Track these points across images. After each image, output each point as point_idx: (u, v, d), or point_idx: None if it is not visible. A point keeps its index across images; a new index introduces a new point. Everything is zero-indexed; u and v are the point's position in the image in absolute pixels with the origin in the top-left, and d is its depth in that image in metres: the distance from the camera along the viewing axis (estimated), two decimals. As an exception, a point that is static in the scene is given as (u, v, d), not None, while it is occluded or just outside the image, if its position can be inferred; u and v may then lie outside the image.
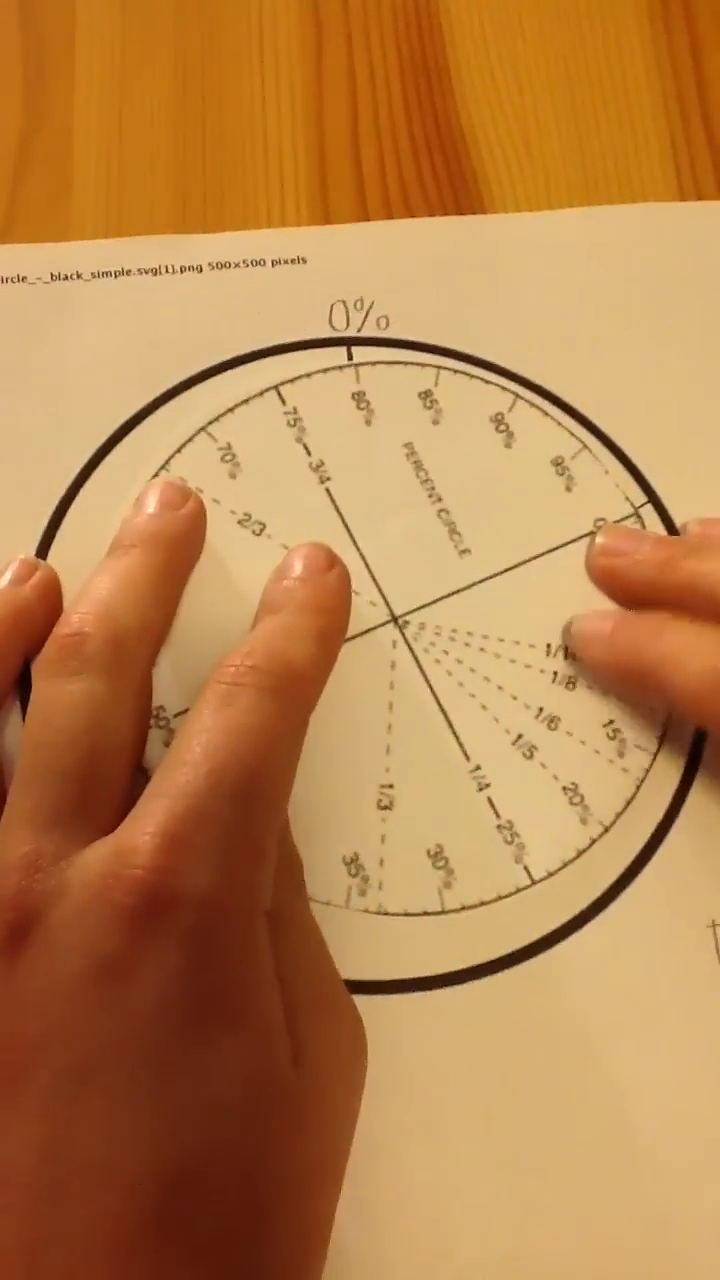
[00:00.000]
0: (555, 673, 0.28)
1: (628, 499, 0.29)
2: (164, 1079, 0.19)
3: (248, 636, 0.24)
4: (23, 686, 0.26)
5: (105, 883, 0.19)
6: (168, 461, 0.29)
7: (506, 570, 0.28)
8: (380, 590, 0.28)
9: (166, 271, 0.31)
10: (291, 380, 0.30)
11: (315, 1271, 0.20)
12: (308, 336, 0.30)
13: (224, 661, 0.23)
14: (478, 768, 0.27)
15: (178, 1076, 0.19)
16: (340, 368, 0.30)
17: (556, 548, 0.29)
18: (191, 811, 0.20)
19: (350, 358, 0.30)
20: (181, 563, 0.27)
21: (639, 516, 0.29)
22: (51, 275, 0.31)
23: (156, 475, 0.29)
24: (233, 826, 0.20)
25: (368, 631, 0.28)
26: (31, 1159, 0.18)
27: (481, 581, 0.28)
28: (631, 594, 0.28)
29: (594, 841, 0.26)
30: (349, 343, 0.30)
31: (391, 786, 0.26)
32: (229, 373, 0.30)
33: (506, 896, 0.26)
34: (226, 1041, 0.19)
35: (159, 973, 0.19)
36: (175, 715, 0.26)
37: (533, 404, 0.30)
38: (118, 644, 0.23)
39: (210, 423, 0.29)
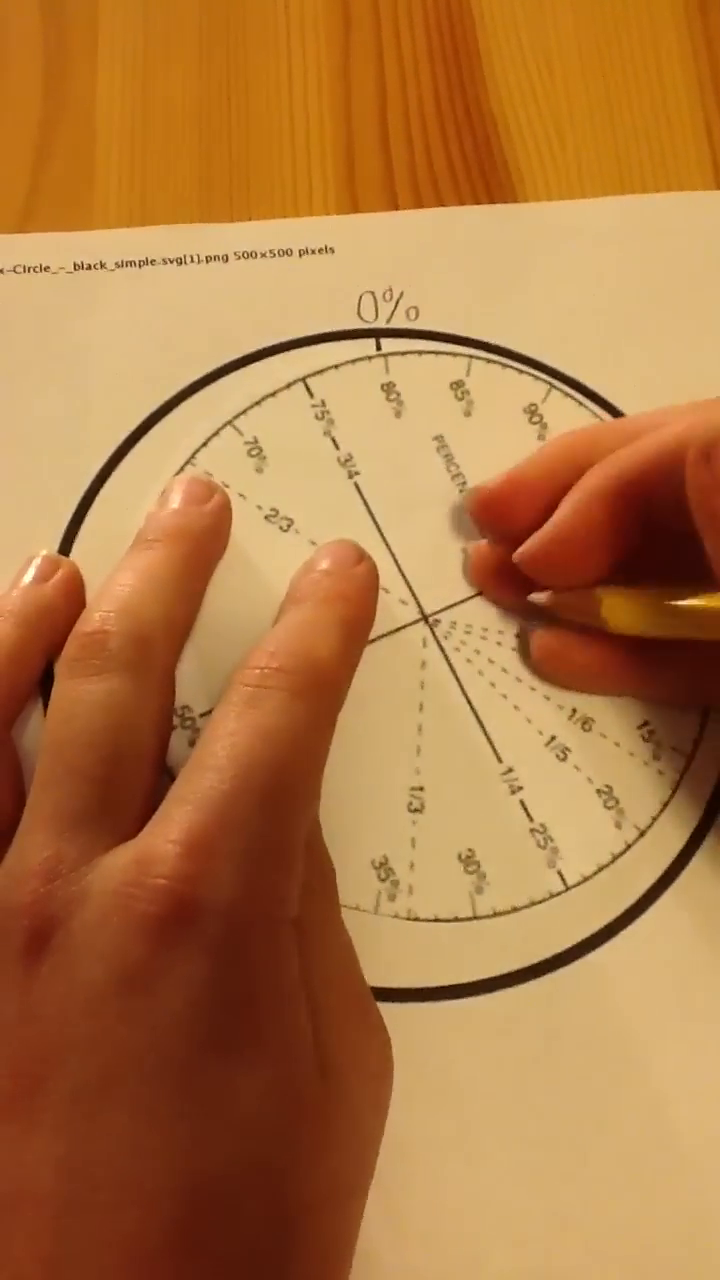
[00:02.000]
0: (590, 672, 0.27)
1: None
2: (187, 1092, 0.18)
3: (272, 632, 0.23)
4: (45, 686, 0.26)
5: (127, 891, 0.19)
6: (193, 455, 0.28)
7: (540, 567, 0.28)
8: (410, 588, 0.27)
9: (192, 261, 0.30)
10: (319, 372, 0.29)
11: None
12: (336, 327, 0.30)
13: (248, 661, 0.22)
14: (510, 770, 0.26)
15: (201, 1090, 0.18)
16: (369, 359, 0.29)
17: (591, 544, 0.28)
18: (216, 818, 0.20)
19: (379, 348, 0.30)
20: (206, 559, 0.26)
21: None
22: (75, 265, 0.30)
23: (182, 470, 0.28)
24: (259, 833, 0.20)
25: (397, 630, 0.27)
26: (50, 1173, 0.18)
27: (514, 578, 0.28)
28: None
29: (629, 846, 0.26)
30: (378, 334, 0.30)
31: (422, 789, 0.26)
32: (255, 365, 0.29)
33: (540, 902, 0.25)
34: (251, 1054, 0.19)
35: (182, 984, 0.18)
36: (201, 715, 0.26)
37: (567, 394, 0.29)
38: (140, 641, 0.23)
39: (236, 416, 0.29)
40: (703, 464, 0.22)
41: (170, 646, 0.24)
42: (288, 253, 0.30)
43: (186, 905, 0.19)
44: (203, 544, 0.26)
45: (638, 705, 0.27)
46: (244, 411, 0.29)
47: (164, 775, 0.23)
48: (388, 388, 0.29)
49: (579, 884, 0.25)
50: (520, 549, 0.25)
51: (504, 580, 0.27)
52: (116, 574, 0.24)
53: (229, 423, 0.29)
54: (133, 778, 0.22)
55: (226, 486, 0.28)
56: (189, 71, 0.33)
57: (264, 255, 0.30)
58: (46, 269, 0.30)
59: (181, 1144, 0.18)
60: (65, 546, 0.28)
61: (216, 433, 0.29)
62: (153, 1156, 0.18)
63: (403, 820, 0.26)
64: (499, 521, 0.26)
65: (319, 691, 0.22)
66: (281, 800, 0.20)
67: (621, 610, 0.25)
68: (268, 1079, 0.19)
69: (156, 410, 0.29)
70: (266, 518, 0.28)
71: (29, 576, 0.26)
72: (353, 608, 0.25)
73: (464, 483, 0.28)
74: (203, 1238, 0.18)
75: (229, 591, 0.27)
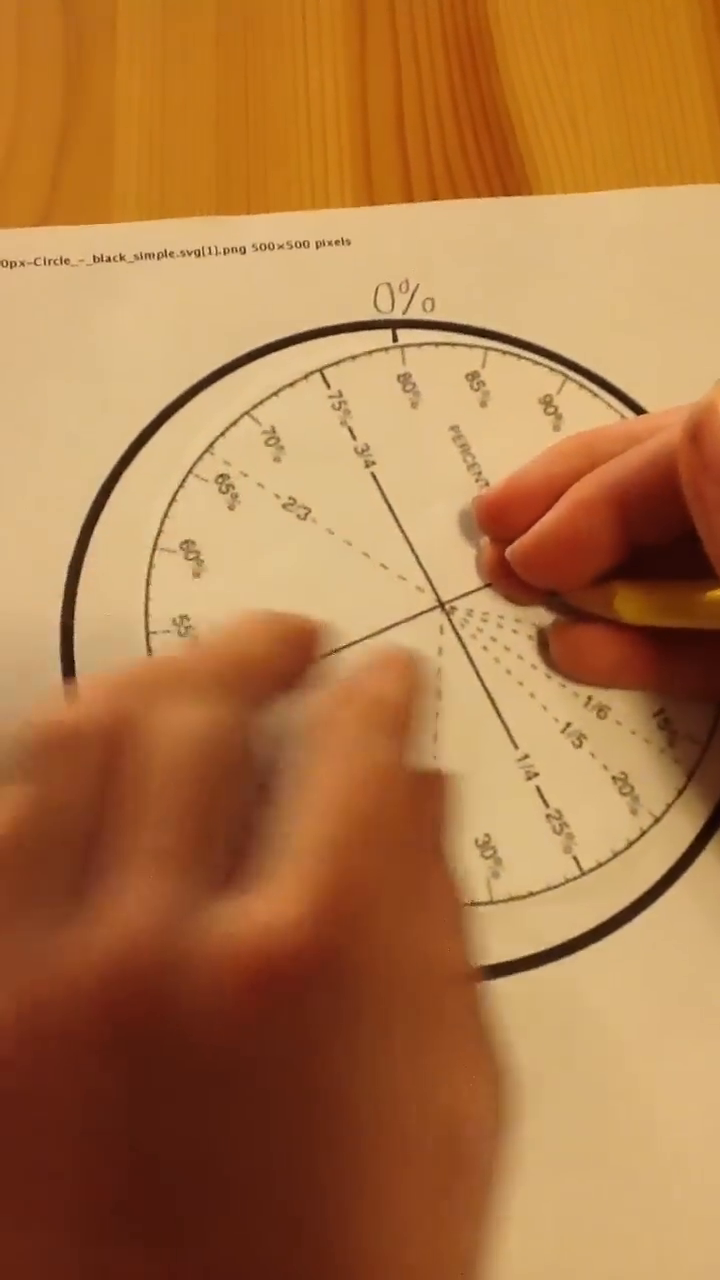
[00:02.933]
0: (605, 660, 0.27)
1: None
2: (316, 1185, 0.16)
3: (338, 681, 0.22)
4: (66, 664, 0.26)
5: (243, 961, 0.16)
6: (211, 445, 0.29)
7: (555, 556, 0.28)
8: (427, 575, 0.28)
9: (210, 253, 0.31)
10: (336, 363, 0.29)
11: None
12: (352, 319, 0.30)
13: (333, 698, 0.21)
14: (526, 756, 0.26)
15: (328, 1178, 0.17)
16: (385, 350, 0.30)
17: (606, 533, 0.28)
18: (328, 872, 0.17)
19: (395, 340, 0.30)
20: (300, 636, 0.24)
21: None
22: (94, 257, 0.31)
23: (200, 458, 0.29)
24: (377, 884, 0.18)
25: (414, 617, 0.27)
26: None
27: (529, 567, 0.28)
28: None
29: (644, 832, 0.26)
30: (394, 325, 0.30)
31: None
32: (273, 355, 0.30)
33: (555, 887, 0.25)
34: (379, 1135, 0.17)
35: (310, 1064, 0.17)
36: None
37: (582, 386, 0.29)
38: (244, 672, 0.21)
39: (254, 406, 0.29)
40: (689, 445, 0.22)
41: (271, 683, 0.22)
42: (305, 245, 0.31)
43: (317, 980, 0.17)
44: (286, 622, 0.24)
45: (654, 694, 0.27)
46: (262, 402, 0.29)
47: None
48: (404, 378, 0.29)
49: (594, 869, 0.26)
50: (510, 548, 0.26)
51: (514, 578, 0.27)
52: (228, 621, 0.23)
53: (247, 413, 0.29)
54: (233, 814, 0.19)
55: (245, 476, 0.28)
56: (207, 67, 0.33)
57: (281, 247, 0.31)
58: (66, 261, 0.31)
59: (311, 1228, 0.16)
60: (84, 535, 0.28)
61: (235, 422, 0.29)
62: (282, 1263, 0.16)
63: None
64: (501, 526, 0.27)
65: (406, 731, 0.21)
66: (385, 840, 0.19)
67: (634, 603, 0.25)
68: (401, 1159, 0.17)
69: (175, 400, 0.29)
70: (284, 506, 0.28)
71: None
72: (414, 672, 0.23)
73: (479, 473, 0.29)
74: None
75: (247, 576, 0.27)
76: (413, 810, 0.20)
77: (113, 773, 0.19)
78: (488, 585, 0.28)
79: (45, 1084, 0.16)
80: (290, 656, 0.23)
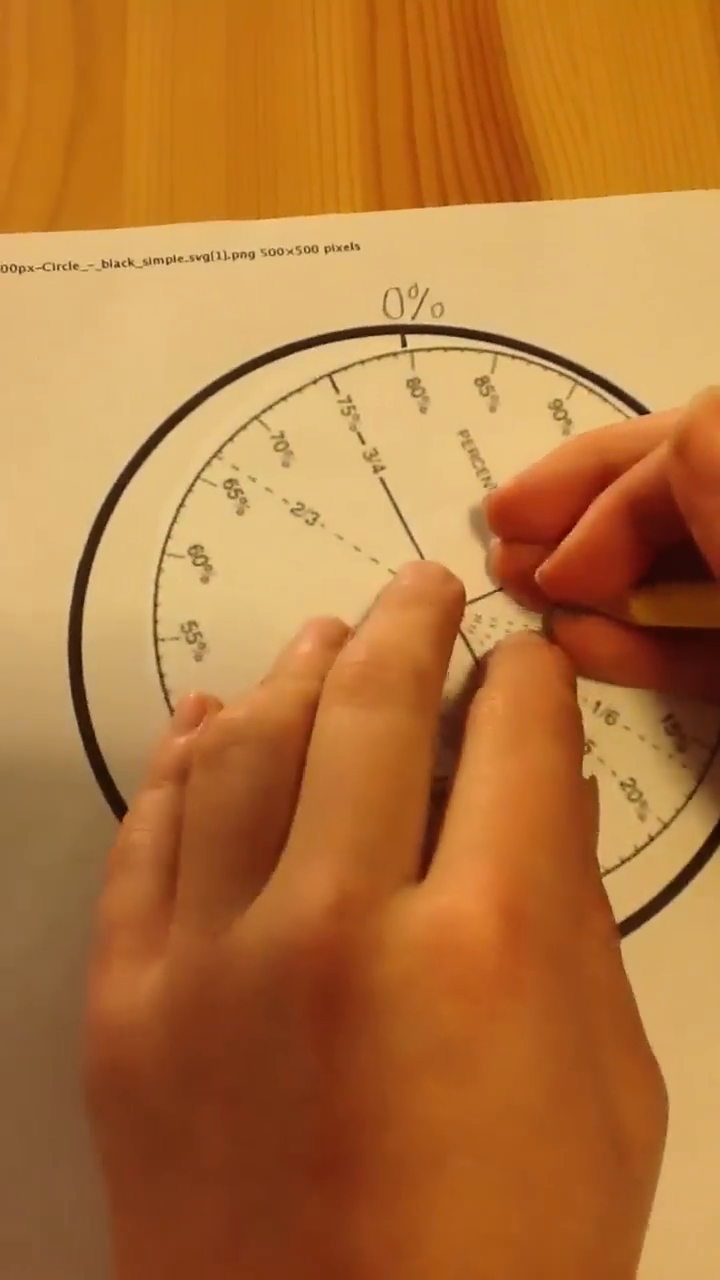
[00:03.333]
0: (613, 666, 0.27)
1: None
2: (525, 1181, 0.17)
3: (497, 671, 0.23)
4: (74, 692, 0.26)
5: (439, 951, 0.17)
6: (220, 450, 0.29)
7: (564, 561, 0.28)
8: (435, 581, 0.28)
9: (219, 258, 0.31)
10: (345, 368, 0.29)
11: None
12: (361, 324, 0.30)
13: (497, 697, 0.22)
14: (534, 762, 0.26)
15: (535, 1180, 0.17)
16: (394, 355, 0.30)
17: (615, 539, 0.28)
18: (515, 873, 0.18)
19: (404, 345, 0.30)
20: (455, 625, 0.25)
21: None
22: (103, 263, 0.31)
23: (209, 463, 0.29)
24: (559, 890, 0.19)
25: (423, 623, 0.27)
26: (381, 1251, 0.16)
27: (538, 573, 0.28)
28: None
29: (652, 839, 0.26)
30: (403, 330, 0.30)
31: (444, 779, 0.26)
32: (281, 360, 0.30)
33: (563, 893, 0.25)
34: (572, 1143, 0.18)
35: (508, 1065, 0.17)
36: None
37: (591, 390, 0.29)
38: (420, 678, 0.22)
39: (263, 411, 0.29)
40: (676, 459, 0.22)
41: (439, 691, 0.23)
42: (314, 250, 0.31)
43: (509, 978, 0.17)
44: (453, 615, 0.25)
45: (662, 698, 0.27)
46: (270, 406, 0.29)
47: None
48: (413, 384, 0.29)
49: (601, 876, 0.25)
50: (539, 569, 0.25)
51: (524, 581, 0.27)
52: (375, 620, 0.24)
53: (256, 417, 0.29)
54: (412, 815, 0.20)
55: (253, 481, 0.28)
56: (217, 70, 0.33)
57: (290, 252, 0.31)
58: (75, 267, 0.31)
59: (517, 1233, 0.17)
60: (93, 540, 0.28)
61: (243, 427, 0.29)
62: (492, 1244, 0.16)
63: (430, 812, 0.26)
64: (511, 524, 0.27)
65: (580, 735, 0.22)
66: (563, 847, 0.20)
67: (649, 607, 0.25)
68: (584, 1164, 0.18)
69: (183, 405, 0.29)
70: (293, 511, 0.28)
71: (311, 640, 0.26)
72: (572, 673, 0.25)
73: (489, 478, 0.29)
74: None
75: (255, 582, 0.27)
76: (577, 813, 0.21)
77: (309, 765, 0.21)
78: (498, 590, 0.28)
79: (258, 1036, 0.18)
80: (448, 655, 0.24)
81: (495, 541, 0.27)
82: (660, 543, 0.24)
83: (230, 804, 0.21)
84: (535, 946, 0.18)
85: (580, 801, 0.21)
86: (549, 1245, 0.17)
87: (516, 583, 0.27)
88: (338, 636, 0.26)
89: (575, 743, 0.22)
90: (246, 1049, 0.18)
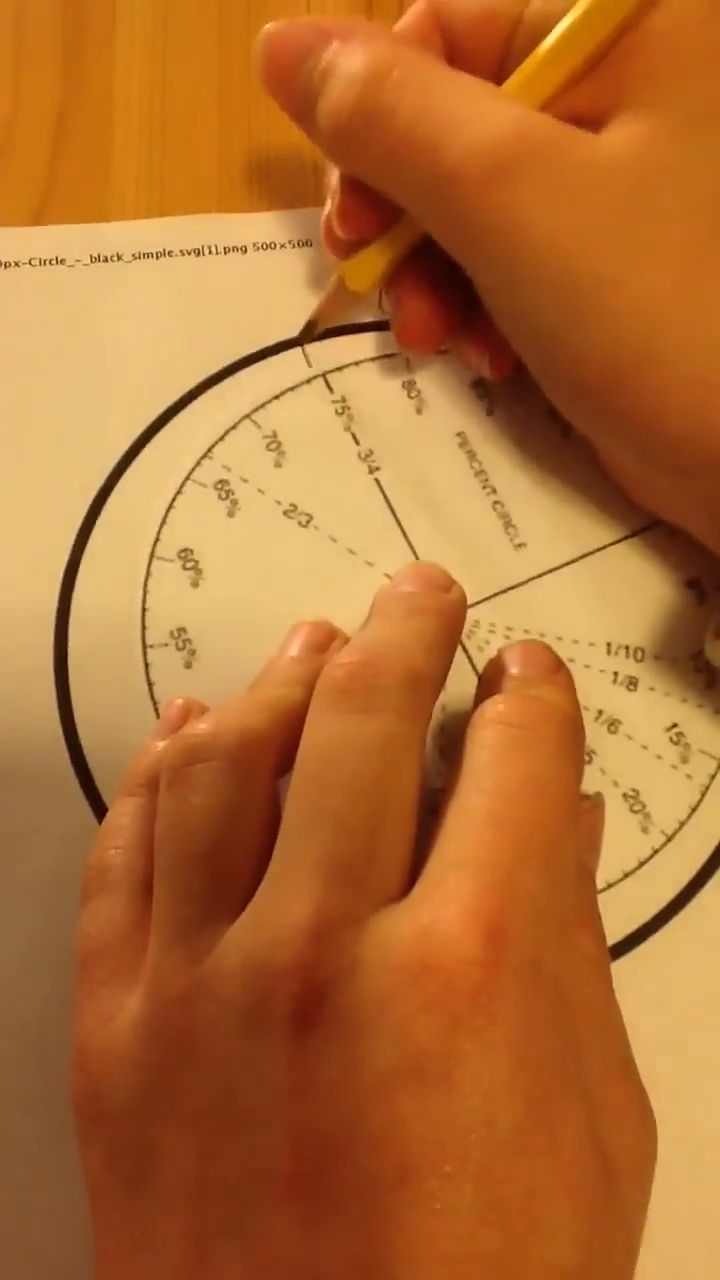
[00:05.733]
0: (616, 673, 0.26)
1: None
2: (497, 1199, 0.17)
3: (494, 684, 0.23)
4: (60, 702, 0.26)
5: (417, 970, 0.17)
6: (211, 449, 0.28)
7: (564, 565, 0.27)
8: (432, 586, 0.27)
9: (210, 252, 0.30)
10: (340, 368, 0.29)
11: None
12: (357, 321, 0.29)
13: (499, 706, 0.21)
14: (534, 772, 0.26)
15: (506, 1196, 0.17)
16: (391, 355, 0.29)
17: (617, 541, 0.27)
18: (500, 889, 0.18)
19: (401, 343, 0.29)
20: (456, 638, 0.24)
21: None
22: (91, 257, 0.30)
23: (199, 463, 0.28)
24: (548, 905, 0.19)
25: (419, 629, 0.27)
26: (348, 1269, 0.16)
27: (538, 577, 0.27)
28: None
29: (655, 851, 0.25)
30: (399, 327, 0.29)
31: (442, 791, 0.25)
32: (274, 358, 0.29)
33: (564, 908, 0.25)
34: (546, 1160, 0.17)
35: (482, 1081, 0.17)
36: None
37: (593, 391, 0.29)
38: (414, 684, 0.21)
39: (255, 410, 0.28)
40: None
41: (433, 699, 0.22)
42: (307, 244, 0.30)
43: (487, 995, 0.17)
44: (454, 620, 0.24)
45: (667, 706, 0.26)
46: (263, 405, 0.28)
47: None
48: (409, 385, 0.29)
49: (604, 890, 0.25)
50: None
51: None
52: (373, 626, 0.23)
53: (247, 416, 0.28)
54: (397, 832, 0.20)
55: (245, 482, 0.28)
56: (208, 60, 0.32)
57: (283, 246, 0.30)
58: (63, 261, 0.30)
59: (490, 1253, 0.16)
60: (80, 543, 0.27)
61: (235, 426, 0.28)
62: (462, 1264, 0.16)
63: (425, 822, 0.25)
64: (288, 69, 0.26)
65: (582, 747, 0.21)
66: (556, 863, 0.19)
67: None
68: (563, 1184, 0.17)
69: (174, 403, 0.28)
70: (286, 513, 0.27)
71: (298, 645, 0.25)
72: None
73: (486, 480, 0.28)
74: None
75: (247, 586, 0.27)
76: (573, 829, 0.20)
77: (290, 779, 0.20)
78: (495, 595, 0.27)
79: (233, 1051, 0.18)
80: (447, 664, 0.23)
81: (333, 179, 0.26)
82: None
83: (193, 826, 0.20)
84: (517, 963, 0.18)
85: (576, 815, 0.21)
86: (524, 1266, 0.17)
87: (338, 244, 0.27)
88: (325, 640, 0.25)
89: (576, 754, 0.21)
90: (221, 1070, 0.18)
